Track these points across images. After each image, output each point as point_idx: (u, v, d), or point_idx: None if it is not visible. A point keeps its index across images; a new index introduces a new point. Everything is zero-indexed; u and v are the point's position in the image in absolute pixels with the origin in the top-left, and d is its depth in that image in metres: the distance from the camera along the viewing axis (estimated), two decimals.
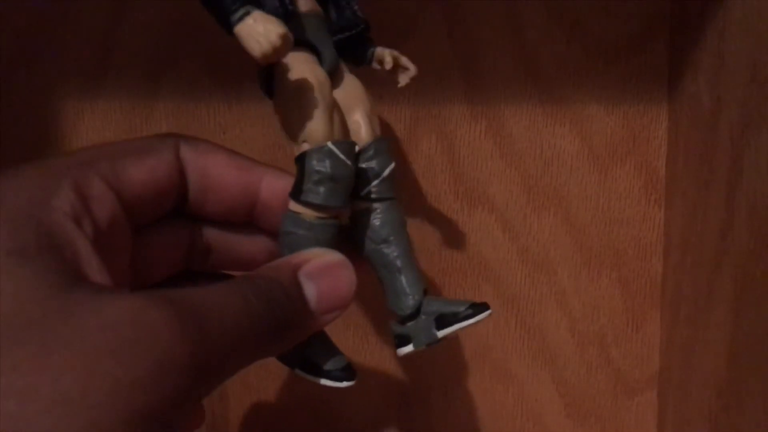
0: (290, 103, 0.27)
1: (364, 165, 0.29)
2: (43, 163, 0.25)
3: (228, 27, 0.27)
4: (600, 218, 0.41)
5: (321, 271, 0.25)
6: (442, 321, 0.29)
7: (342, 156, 0.26)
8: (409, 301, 0.29)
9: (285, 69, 0.27)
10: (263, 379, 0.42)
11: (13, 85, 0.39)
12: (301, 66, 0.27)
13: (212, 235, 0.29)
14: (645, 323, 0.42)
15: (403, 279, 0.29)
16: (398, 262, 0.29)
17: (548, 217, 0.41)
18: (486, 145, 0.40)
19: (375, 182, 0.29)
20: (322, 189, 0.26)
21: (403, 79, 0.31)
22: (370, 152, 0.29)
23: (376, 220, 0.29)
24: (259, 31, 0.26)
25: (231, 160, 0.28)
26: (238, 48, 0.40)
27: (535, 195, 0.41)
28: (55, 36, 0.39)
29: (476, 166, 0.41)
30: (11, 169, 0.25)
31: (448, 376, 0.42)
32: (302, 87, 0.27)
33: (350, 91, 0.29)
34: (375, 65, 0.30)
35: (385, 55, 0.30)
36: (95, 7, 0.39)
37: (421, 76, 0.40)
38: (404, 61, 0.31)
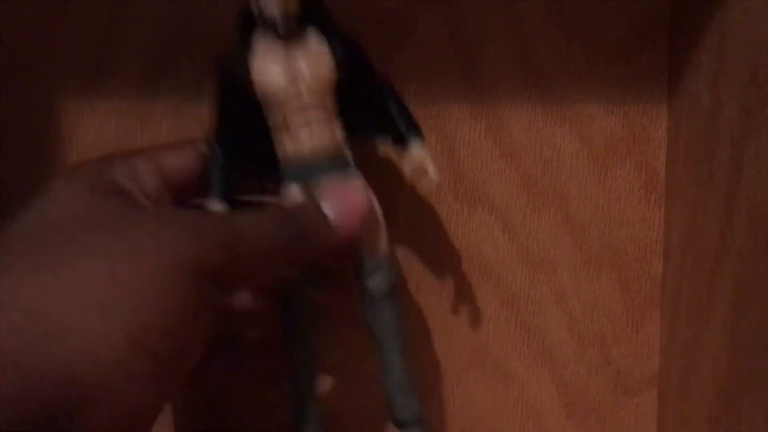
0: None
1: (363, 274, 0.33)
2: (99, 156, 0.32)
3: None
4: (600, 218, 0.41)
5: (335, 192, 0.31)
6: None
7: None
8: (405, 414, 0.34)
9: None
10: (262, 380, 0.42)
11: (13, 85, 0.39)
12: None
13: None
14: (645, 323, 0.42)
15: (397, 394, 0.34)
16: (393, 371, 0.34)
17: (548, 217, 0.41)
18: (486, 145, 0.40)
19: (371, 287, 0.33)
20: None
21: (424, 189, 0.33)
22: (369, 266, 0.33)
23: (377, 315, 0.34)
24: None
25: None
26: None
27: (535, 195, 0.41)
28: (55, 36, 0.39)
29: (476, 166, 0.41)
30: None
31: (448, 376, 0.42)
32: None
33: None
34: (404, 163, 0.33)
35: (408, 168, 0.33)
36: (95, 7, 0.39)
37: (421, 76, 0.40)
38: (429, 170, 0.33)
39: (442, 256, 0.41)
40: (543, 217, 0.41)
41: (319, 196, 0.31)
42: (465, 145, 0.40)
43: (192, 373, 0.28)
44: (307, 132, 0.32)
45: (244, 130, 0.32)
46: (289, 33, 0.31)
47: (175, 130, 0.40)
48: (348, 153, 0.33)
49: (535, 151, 0.41)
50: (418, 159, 0.33)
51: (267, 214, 0.30)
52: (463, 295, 0.41)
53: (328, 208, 0.31)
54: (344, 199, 0.31)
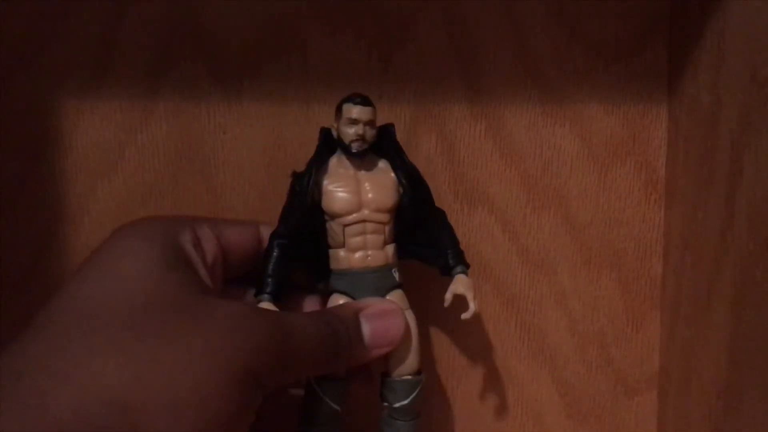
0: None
1: (385, 388, 0.35)
2: (167, 216, 0.35)
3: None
4: (600, 218, 0.41)
5: (376, 315, 0.33)
6: None
7: (319, 392, 0.34)
8: None
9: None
10: None
11: (13, 85, 0.39)
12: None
13: None
14: (645, 323, 0.42)
15: None
16: None
17: (548, 217, 0.41)
18: (486, 145, 0.40)
19: (394, 405, 0.35)
20: (307, 415, 0.35)
21: (464, 316, 0.35)
22: (392, 383, 0.35)
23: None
24: None
25: None
26: (237, 48, 0.40)
27: (535, 195, 0.41)
28: (55, 36, 0.39)
29: (476, 166, 0.41)
30: (146, 217, 0.34)
31: (448, 376, 0.42)
32: None
33: None
34: (448, 289, 0.36)
35: (448, 293, 0.35)
36: (95, 7, 0.39)
37: (421, 76, 0.40)
38: (470, 302, 0.35)
39: None
40: (543, 217, 0.41)
41: (360, 311, 0.33)
42: (465, 145, 0.40)
43: None
44: (362, 252, 0.34)
45: (305, 237, 0.35)
46: (362, 158, 0.34)
47: (175, 130, 0.40)
48: (396, 273, 0.35)
49: (535, 151, 0.41)
50: (463, 289, 0.35)
51: (312, 320, 0.32)
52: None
53: (366, 329, 0.33)
54: (382, 324, 0.33)
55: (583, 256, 0.41)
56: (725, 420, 0.34)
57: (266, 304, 0.33)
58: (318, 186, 0.34)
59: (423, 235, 0.36)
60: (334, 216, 0.34)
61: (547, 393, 0.42)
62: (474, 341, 0.42)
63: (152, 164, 0.40)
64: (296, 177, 0.35)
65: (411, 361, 0.35)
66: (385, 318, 0.33)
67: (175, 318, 0.28)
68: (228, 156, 0.40)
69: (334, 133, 0.35)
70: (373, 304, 0.34)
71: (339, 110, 0.34)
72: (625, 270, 0.41)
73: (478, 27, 0.39)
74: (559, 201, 0.41)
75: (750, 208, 0.31)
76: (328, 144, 0.35)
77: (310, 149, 0.40)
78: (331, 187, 0.34)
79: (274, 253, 0.34)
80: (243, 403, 0.28)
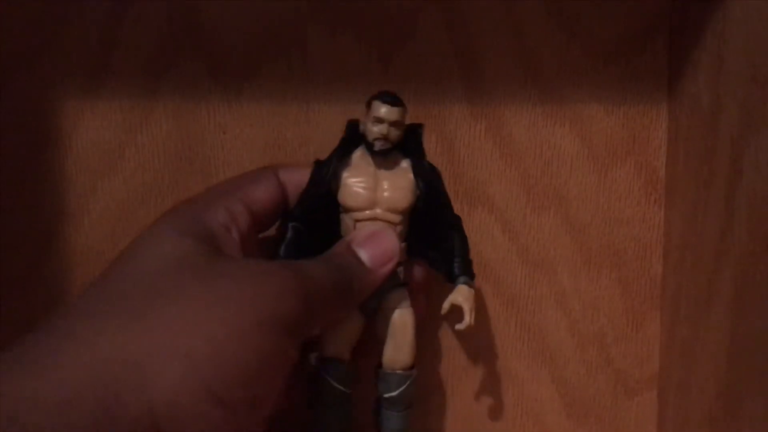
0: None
1: (379, 379, 0.36)
2: (208, 191, 0.35)
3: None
4: (600, 218, 0.41)
5: (367, 240, 0.34)
6: None
7: (327, 377, 0.34)
8: None
9: None
10: None
11: (13, 85, 0.39)
12: None
13: None
14: (645, 323, 0.42)
15: None
16: None
17: (548, 217, 0.41)
18: (486, 145, 0.40)
19: (384, 395, 0.35)
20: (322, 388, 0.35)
21: (458, 327, 0.35)
22: (386, 375, 0.35)
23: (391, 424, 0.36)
24: None
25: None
26: (238, 48, 0.40)
27: (535, 195, 0.41)
28: (55, 36, 0.39)
29: (476, 166, 0.41)
30: (182, 201, 0.34)
31: (448, 376, 0.42)
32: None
33: (390, 323, 0.36)
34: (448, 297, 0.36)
35: (446, 302, 0.35)
36: (95, 7, 0.39)
37: (421, 76, 0.40)
38: (466, 313, 0.35)
39: None
40: (543, 217, 0.41)
41: (351, 243, 0.34)
42: (465, 145, 0.40)
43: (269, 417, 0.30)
44: None
45: (319, 225, 0.35)
46: (385, 156, 0.34)
47: (175, 130, 0.40)
48: (402, 272, 0.36)
49: (535, 151, 0.41)
50: (462, 300, 0.35)
51: (320, 264, 0.32)
52: None
53: (364, 255, 0.34)
54: (376, 245, 0.34)
55: (583, 256, 0.41)
56: (725, 420, 0.34)
57: None
58: (336, 177, 0.34)
59: (434, 239, 0.36)
60: (347, 209, 0.35)
61: (547, 393, 0.42)
62: (474, 341, 0.42)
63: (152, 164, 0.40)
64: (318, 165, 0.35)
65: (404, 356, 0.35)
66: (375, 239, 0.34)
67: (191, 276, 0.28)
68: (228, 156, 0.40)
69: (362, 127, 0.35)
70: (358, 232, 0.34)
71: (369, 105, 0.34)
72: (625, 270, 0.41)
73: (478, 27, 0.39)
74: (559, 201, 0.41)
75: (750, 208, 0.31)
76: (354, 137, 0.35)
77: (311, 149, 0.40)
78: (349, 181, 0.34)
79: (288, 236, 0.34)
80: (269, 351, 0.28)
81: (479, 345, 0.42)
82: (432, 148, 0.40)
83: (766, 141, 0.30)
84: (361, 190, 0.34)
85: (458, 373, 0.42)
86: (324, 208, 0.35)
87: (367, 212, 0.34)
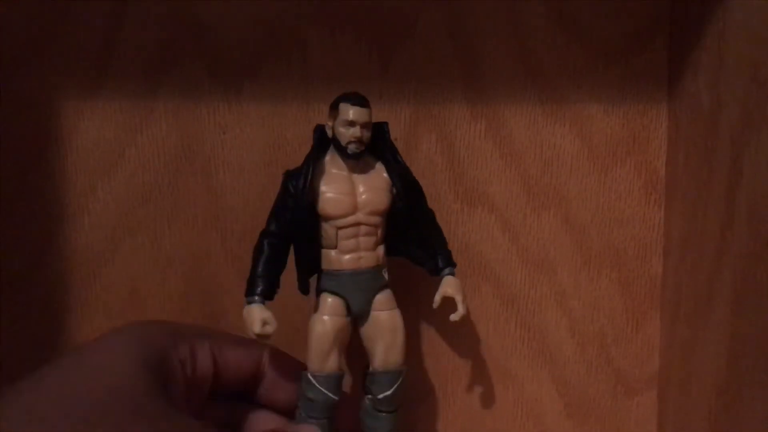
0: (309, 332, 0.35)
1: (371, 382, 0.36)
2: (176, 325, 0.35)
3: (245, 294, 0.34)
4: (600, 218, 0.41)
5: None
6: None
7: (317, 385, 0.34)
8: None
9: (318, 306, 0.35)
10: None
11: (13, 85, 0.39)
12: (325, 311, 0.35)
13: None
14: (645, 323, 0.42)
15: None
16: None
17: (548, 217, 0.41)
18: (486, 145, 0.40)
19: (378, 396, 0.36)
20: (306, 405, 0.35)
21: (452, 316, 0.36)
22: (378, 378, 0.36)
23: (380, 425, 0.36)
24: (247, 320, 0.33)
25: (299, 368, 0.36)
26: (237, 48, 0.40)
27: (535, 195, 0.41)
28: (55, 36, 0.39)
29: (476, 166, 0.41)
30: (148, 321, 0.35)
31: (448, 376, 0.42)
32: (317, 329, 0.35)
33: (380, 325, 0.35)
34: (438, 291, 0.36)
35: (437, 295, 0.36)
36: (95, 7, 0.39)
37: (421, 76, 0.40)
38: (458, 303, 0.36)
39: None
40: (543, 217, 0.41)
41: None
42: (465, 145, 0.40)
43: None
44: (355, 253, 0.35)
45: (295, 237, 0.35)
46: (358, 159, 0.34)
47: (175, 130, 0.40)
48: (386, 273, 0.36)
49: (535, 151, 0.41)
50: (452, 291, 0.36)
51: None
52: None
53: None
54: None
55: (583, 256, 0.41)
56: (725, 420, 0.34)
57: (256, 307, 0.33)
58: (313, 188, 0.34)
59: (413, 235, 0.36)
60: (328, 218, 0.34)
61: (547, 393, 0.42)
62: (474, 341, 0.42)
63: (152, 164, 0.40)
64: (290, 176, 0.34)
65: (397, 356, 0.35)
66: None
67: (131, 421, 0.28)
68: (228, 156, 0.40)
69: (329, 132, 0.35)
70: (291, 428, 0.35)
71: (334, 108, 0.34)
72: (625, 270, 0.41)
73: (478, 27, 0.39)
74: (559, 201, 0.41)
75: (750, 208, 0.31)
76: (323, 142, 0.35)
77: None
78: (325, 189, 0.34)
79: (265, 253, 0.34)
80: None
81: (479, 345, 0.42)
82: (432, 148, 0.40)
83: (766, 141, 0.30)
84: (340, 198, 0.34)
85: (458, 373, 0.42)
86: (299, 220, 0.34)
87: (350, 218, 0.34)
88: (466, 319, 0.41)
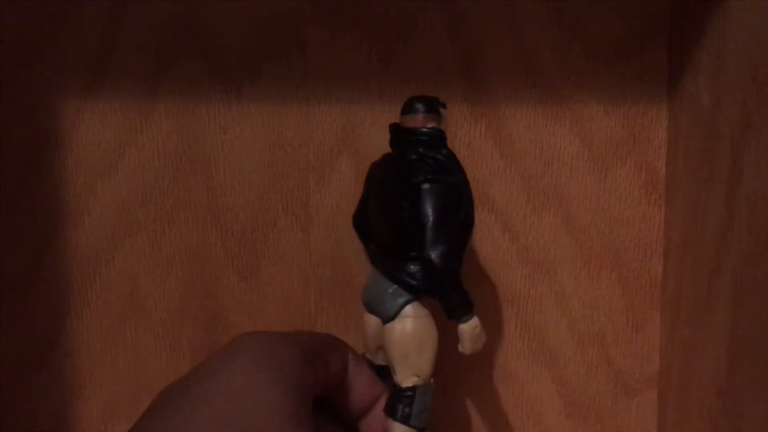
0: (413, 341, 0.33)
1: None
2: (302, 340, 0.32)
3: (454, 317, 0.33)
4: (600, 218, 0.41)
5: None
6: None
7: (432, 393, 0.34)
8: None
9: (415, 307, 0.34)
10: None
11: (13, 85, 0.39)
12: (431, 318, 0.34)
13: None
14: (645, 323, 0.42)
15: None
16: None
17: (548, 217, 0.41)
18: (486, 145, 0.40)
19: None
20: (425, 415, 0.33)
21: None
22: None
23: None
24: (478, 336, 0.33)
25: (373, 377, 0.34)
26: (237, 48, 0.40)
27: (535, 195, 0.41)
28: (55, 36, 0.39)
29: (476, 166, 0.41)
30: (288, 335, 0.32)
31: (448, 376, 0.42)
32: (431, 332, 0.33)
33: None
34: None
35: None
36: (95, 7, 0.39)
37: (421, 76, 0.40)
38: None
39: None
40: (543, 217, 0.41)
41: None
42: (465, 145, 0.40)
43: None
44: None
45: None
46: None
47: (175, 130, 0.40)
48: None
49: (535, 151, 0.41)
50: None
51: None
52: None
53: None
54: None
55: (583, 256, 0.41)
56: (725, 420, 0.34)
57: (477, 318, 0.32)
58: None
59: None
60: None
61: (547, 393, 0.42)
62: None
63: (152, 164, 0.40)
64: (457, 173, 0.33)
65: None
66: None
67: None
68: (228, 156, 0.40)
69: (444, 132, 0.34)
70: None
71: (441, 112, 0.34)
72: (625, 270, 0.41)
73: (478, 27, 0.39)
74: (559, 201, 0.41)
75: (750, 208, 0.31)
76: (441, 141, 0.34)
77: (311, 149, 0.40)
78: None
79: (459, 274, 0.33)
80: None
81: None
82: None
83: (766, 141, 0.30)
84: None
85: (458, 373, 0.42)
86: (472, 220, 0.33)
87: None
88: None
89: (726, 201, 0.33)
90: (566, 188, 0.41)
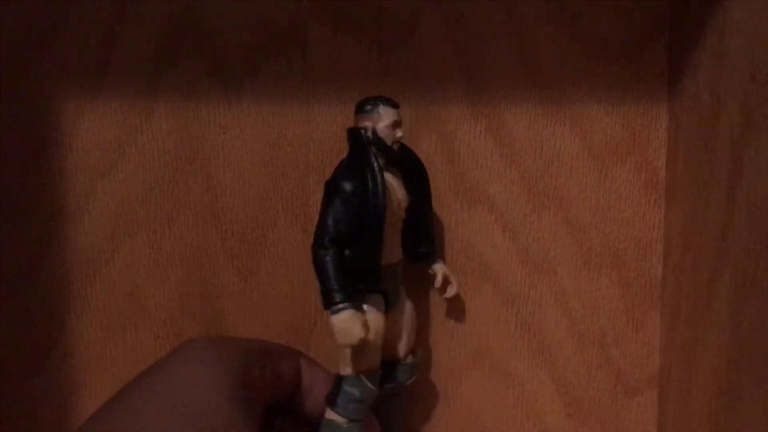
0: (337, 337, 0.33)
1: (398, 371, 0.38)
2: (246, 343, 0.34)
3: (325, 306, 0.33)
4: (600, 218, 0.41)
5: None
6: None
7: (369, 385, 0.34)
8: None
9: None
10: None
11: (13, 85, 0.39)
12: (370, 314, 0.34)
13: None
14: (645, 323, 0.42)
15: None
16: None
17: (548, 217, 0.41)
18: (486, 145, 0.40)
19: (407, 383, 0.38)
20: (352, 407, 0.34)
21: (449, 293, 0.39)
22: (405, 366, 0.38)
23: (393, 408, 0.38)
24: (345, 330, 0.32)
25: (330, 380, 0.35)
26: (237, 48, 0.40)
27: (535, 195, 0.41)
28: (55, 36, 0.39)
29: (476, 166, 0.41)
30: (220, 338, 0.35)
31: (448, 376, 0.42)
32: (349, 333, 0.33)
33: (404, 317, 0.37)
34: (430, 272, 0.39)
35: (438, 274, 0.39)
36: (95, 7, 0.39)
37: (421, 76, 0.40)
38: (451, 279, 0.39)
39: (442, 256, 0.41)
40: (543, 217, 0.41)
41: None
42: (465, 145, 0.40)
43: None
44: (390, 247, 0.35)
45: (351, 240, 0.34)
46: (394, 156, 0.35)
47: (175, 130, 0.40)
48: (401, 269, 0.37)
49: (535, 151, 0.41)
50: (448, 272, 0.39)
51: None
52: (463, 295, 0.41)
53: None
54: None
55: (583, 256, 0.41)
56: (725, 420, 0.34)
57: (351, 312, 0.32)
58: (383, 184, 0.34)
59: (411, 223, 0.38)
60: (387, 214, 0.34)
61: (547, 393, 0.42)
62: (474, 341, 0.42)
63: (152, 164, 0.40)
64: (349, 181, 0.34)
65: (413, 343, 0.38)
66: None
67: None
68: (228, 156, 0.40)
69: (367, 134, 0.35)
70: None
71: (373, 112, 0.35)
72: (625, 270, 0.41)
73: (478, 27, 0.39)
74: (559, 201, 0.41)
75: (750, 208, 0.31)
76: (362, 144, 0.35)
77: (311, 149, 0.40)
78: (388, 186, 0.35)
79: (331, 256, 0.33)
80: None
81: (479, 345, 0.42)
82: (432, 148, 0.40)
83: (766, 141, 0.30)
84: (395, 195, 0.35)
85: (458, 373, 0.42)
86: (355, 227, 0.33)
87: (394, 220, 0.35)
88: (465, 319, 0.41)
89: (726, 201, 0.33)
90: (566, 188, 0.41)
